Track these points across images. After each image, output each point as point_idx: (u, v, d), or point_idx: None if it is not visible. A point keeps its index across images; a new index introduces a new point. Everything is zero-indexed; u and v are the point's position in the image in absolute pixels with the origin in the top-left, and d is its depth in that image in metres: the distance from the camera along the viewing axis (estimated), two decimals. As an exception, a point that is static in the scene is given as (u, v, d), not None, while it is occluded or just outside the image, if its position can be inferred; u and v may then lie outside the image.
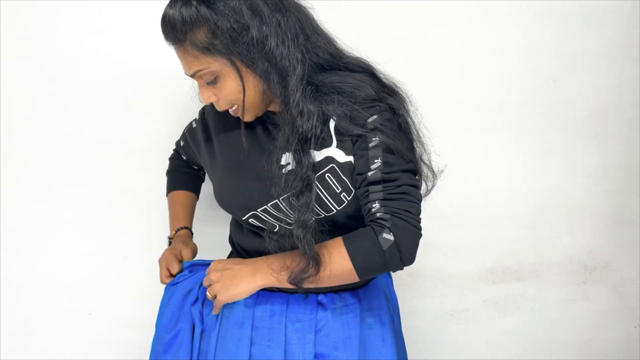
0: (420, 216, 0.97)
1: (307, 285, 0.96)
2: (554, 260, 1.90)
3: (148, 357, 1.22)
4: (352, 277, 0.95)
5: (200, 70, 0.93)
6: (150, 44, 1.50)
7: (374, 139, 0.94)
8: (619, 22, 1.75)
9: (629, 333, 2.01)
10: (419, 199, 0.97)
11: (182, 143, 1.31)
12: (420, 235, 0.96)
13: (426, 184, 1.07)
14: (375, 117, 0.95)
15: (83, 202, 1.59)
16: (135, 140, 1.56)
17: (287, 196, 0.96)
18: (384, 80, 1.03)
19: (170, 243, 1.28)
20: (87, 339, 1.67)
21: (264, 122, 1.06)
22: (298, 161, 0.93)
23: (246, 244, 1.14)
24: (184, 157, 1.34)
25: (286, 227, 1.02)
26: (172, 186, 1.36)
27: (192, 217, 1.34)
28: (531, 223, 1.86)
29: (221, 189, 1.08)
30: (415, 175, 1.00)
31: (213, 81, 0.94)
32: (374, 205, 0.94)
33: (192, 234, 1.32)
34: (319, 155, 0.98)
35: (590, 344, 1.99)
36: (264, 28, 0.89)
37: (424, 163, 1.04)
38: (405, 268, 1.81)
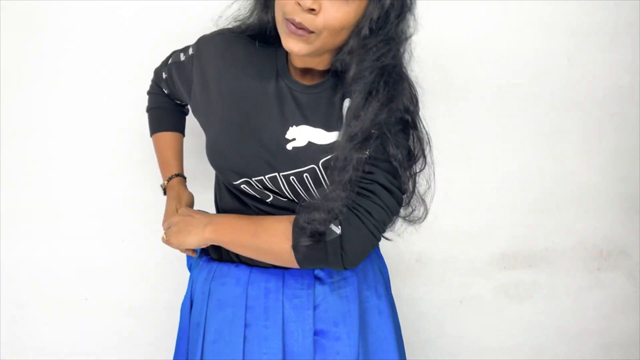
0: (384, 225, 0.94)
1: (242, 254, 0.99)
2: (567, 246, 1.87)
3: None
4: (290, 259, 0.94)
5: None
6: (157, 40, 1.47)
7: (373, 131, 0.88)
8: (635, -1, 1.70)
9: (644, 321, 1.97)
10: (388, 206, 0.92)
11: (164, 75, 1.16)
12: (373, 242, 0.93)
13: (412, 210, 0.99)
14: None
15: (80, 185, 1.57)
16: (133, 123, 1.53)
17: (292, 174, 0.93)
18: (419, 125, 0.96)
19: (164, 192, 1.21)
20: (83, 323, 1.66)
21: (283, 87, 0.97)
22: (356, 161, 0.87)
23: (225, 206, 1.08)
24: (166, 91, 1.20)
25: (281, 199, 0.99)
26: (157, 126, 1.25)
27: (182, 160, 1.25)
28: (544, 207, 1.82)
29: (216, 147, 1.00)
30: (395, 178, 0.93)
31: None
32: None
33: (185, 178, 1.23)
34: (328, 138, 0.93)
35: (604, 333, 1.96)
36: (410, 16, 0.87)
37: (416, 194, 0.97)
38: (413, 253, 1.81)
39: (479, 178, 1.75)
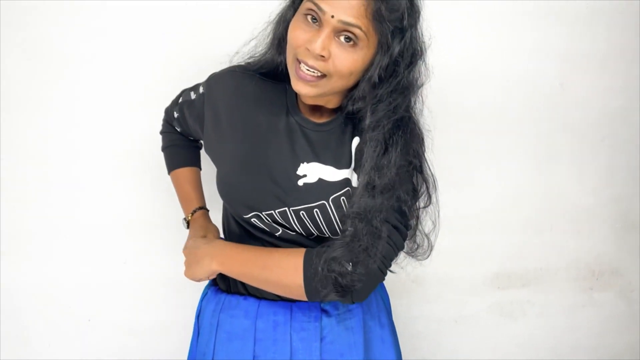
0: (391, 261, 0.97)
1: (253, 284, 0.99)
2: (560, 265, 1.88)
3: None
4: (300, 293, 0.94)
5: (358, 27, 0.83)
6: (151, 45, 1.48)
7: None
8: (626, 23, 1.74)
9: (636, 339, 1.98)
10: (396, 244, 0.95)
11: (176, 115, 1.19)
12: (380, 278, 0.96)
13: (417, 246, 1.02)
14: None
15: (82, 207, 1.57)
16: (136, 144, 1.54)
17: (301, 209, 0.95)
18: (426, 167, 1.00)
19: (187, 225, 1.22)
20: (85, 345, 1.65)
21: (293, 123, 0.99)
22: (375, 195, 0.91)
23: (233, 236, 1.10)
24: (178, 129, 1.23)
25: (289, 232, 1.00)
26: (174, 164, 1.27)
27: (202, 193, 1.28)
28: (537, 227, 1.84)
29: (228, 181, 1.01)
30: (402, 216, 0.96)
31: (346, 41, 0.84)
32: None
33: (208, 211, 1.26)
34: (338, 175, 0.96)
35: (597, 350, 1.97)
36: (421, 64, 0.91)
37: (419, 231, 1.00)
38: (409, 273, 1.82)
39: (473, 199, 1.76)
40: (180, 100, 1.16)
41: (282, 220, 0.98)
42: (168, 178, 1.33)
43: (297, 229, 0.99)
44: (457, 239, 1.78)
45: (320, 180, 0.96)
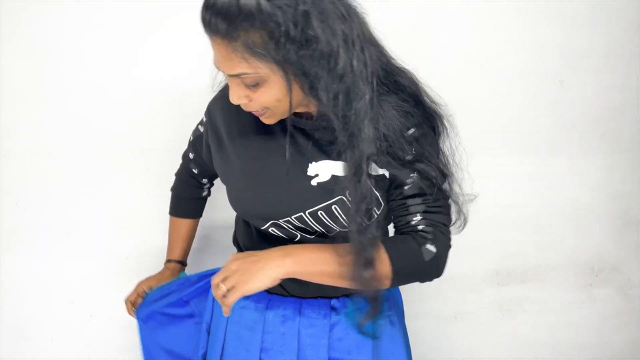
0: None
1: (344, 284, 0.90)
2: (559, 262, 1.89)
3: None
4: (385, 283, 0.90)
5: (245, 74, 0.79)
6: (153, 45, 1.49)
7: (410, 151, 0.91)
8: (625, 20, 1.74)
9: (635, 336, 1.99)
10: (449, 211, 0.98)
11: (191, 156, 1.19)
12: (449, 249, 0.96)
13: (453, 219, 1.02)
14: (413, 130, 0.91)
15: (84, 203, 1.57)
16: (137, 141, 1.54)
17: (318, 209, 0.94)
18: (428, 103, 0.97)
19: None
20: (88, 340, 1.66)
21: (288, 125, 0.93)
22: (361, 183, 0.86)
23: (246, 242, 1.09)
24: (195, 171, 1.23)
25: (308, 237, 1.00)
26: (174, 210, 1.33)
27: (188, 247, 1.35)
28: (537, 224, 1.84)
29: (239, 196, 1.00)
30: (444, 183, 0.98)
31: (254, 85, 0.81)
32: (414, 218, 0.93)
33: (185, 265, 1.35)
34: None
35: (596, 347, 1.98)
36: (334, 42, 0.76)
37: (454, 201, 0.99)
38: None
39: (473, 196, 1.77)
40: (191, 139, 1.17)
41: (300, 224, 0.97)
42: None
43: (317, 230, 0.98)
44: (457, 236, 1.77)
45: (333, 176, 0.93)
